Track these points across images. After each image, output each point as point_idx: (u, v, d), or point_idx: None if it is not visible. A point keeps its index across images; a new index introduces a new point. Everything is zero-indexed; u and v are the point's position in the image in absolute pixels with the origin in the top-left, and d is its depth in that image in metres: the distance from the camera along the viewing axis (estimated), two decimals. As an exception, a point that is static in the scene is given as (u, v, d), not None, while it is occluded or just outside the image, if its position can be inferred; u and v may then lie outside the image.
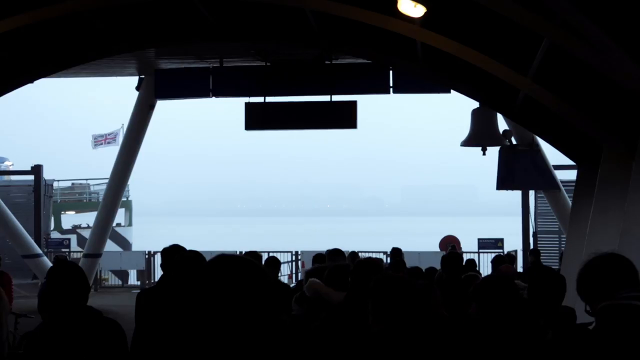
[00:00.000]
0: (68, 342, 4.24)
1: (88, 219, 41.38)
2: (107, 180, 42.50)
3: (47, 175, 32.02)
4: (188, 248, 6.51)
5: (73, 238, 37.70)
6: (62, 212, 40.05)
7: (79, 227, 39.80)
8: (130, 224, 41.75)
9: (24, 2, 11.50)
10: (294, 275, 27.04)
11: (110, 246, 36.61)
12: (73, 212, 41.15)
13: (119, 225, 41.28)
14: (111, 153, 47.43)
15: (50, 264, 21.84)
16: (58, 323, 4.28)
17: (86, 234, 38.95)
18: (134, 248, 35.73)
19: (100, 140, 43.75)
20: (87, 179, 43.27)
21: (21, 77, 14.90)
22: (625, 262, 3.84)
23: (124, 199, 42.65)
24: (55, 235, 38.26)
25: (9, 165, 46.29)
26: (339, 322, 5.13)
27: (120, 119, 47.85)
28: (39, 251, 24.80)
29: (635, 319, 3.61)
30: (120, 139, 44.81)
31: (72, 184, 42.60)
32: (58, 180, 42.94)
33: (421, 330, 4.45)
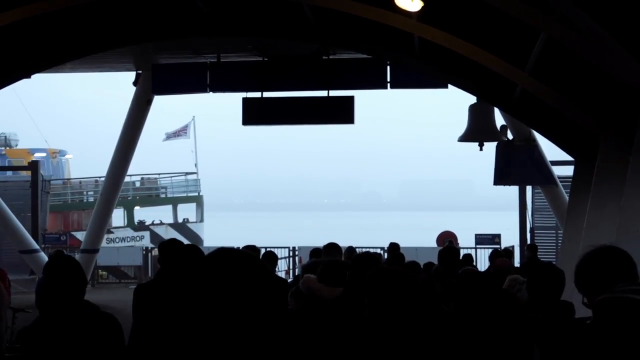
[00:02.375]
0: (65, 336, 4.24)
1: (159, 214, 41.24)
2: (176, 175, 42.38)
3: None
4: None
5: (146, 235, 37.67)
6: (135, 208, 40.03)
7: (151, 224, 39.82)
8: (201, 220, 41.30)
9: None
10: (291, 271, 27.06)
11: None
12: (143, 207, 41.16)
13: (185, 220, 40.89)
14: (179, 146, 46.82)
15: (47, 259, 21.84)
16: (55, 317, 4.28)
17: (159, 230, 38.96)
18: (206, 244, 35.36)
19: (171, 134, 43.59)
20: (159, 174, 43.03)
21: (18, 71, 14.88)
22: (623, 255, 3.84)
23: (194, 194, 42.57)
24: (127, 232, 38.31)
25: (69, 157, 46.01)
26: (334, 318, 5.13)
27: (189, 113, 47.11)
28: (37, 246, 24.78)
29: (632, 313, 3.62)
30: (190, 132, 44.48)
31: (142, 178, 42.44)
32: (130, 175, 42.92)
33: (420, 324, 4.45)
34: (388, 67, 18.16)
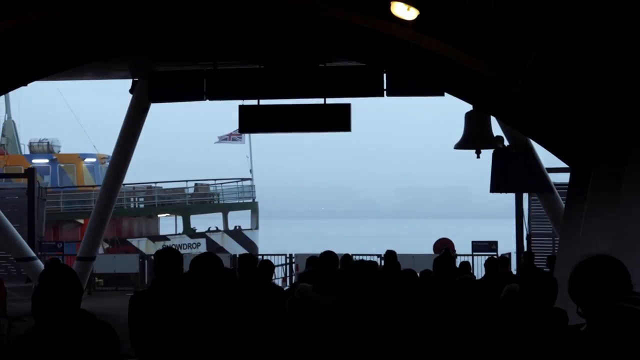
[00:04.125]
0: (59, 345, 4.24)
1: (209, 221, 40.71)
2: (230, 180, 41.83)
3: (168, 176, 31.58)
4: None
5: (202, 242, 37.40)
6: (191, 215, 39.73)
7: (207, 230, 39.47)
8: (256, 227, 40.64)
9: (16, 4, 11.51)
10: (287, 279, 27.08)
11: (237, 249, 35.83)
12: (197, 215, 40.82)
13: (237, 227, 40.18)
14: (232, 150, 45.61)
15: (43, 267, 21.79)
16: (50, 326, 4.28)
17: (216, 237, 38.58)
18: (261, 251, 34.86)
19: (225, 137, 43.08)
20: (214, 180, 42.51)
21: (14, 79, 14.88)
22: (617, 265, 3.86)
23: (249, 200, 41.78)
24: (184, 240, 37.94)
25: None
26: (329, 325, 5.15)
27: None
28: (33, 254, 24.75)
29: (627, 322, 3.63)
30: (245, 136, 43.89)
31: (195, 184, 42.06)
32: (187, 181, 42.46)
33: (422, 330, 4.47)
34: (384, 75, 18.20)
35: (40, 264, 23.73)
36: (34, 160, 41.14)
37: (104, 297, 26.09)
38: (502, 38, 10.72)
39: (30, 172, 29.20)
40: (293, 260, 27.23)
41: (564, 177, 20.28)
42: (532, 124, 13.06)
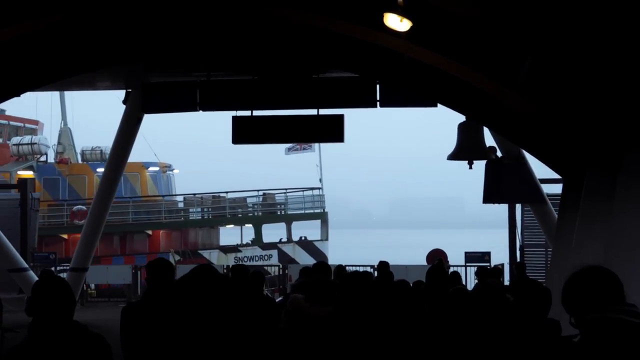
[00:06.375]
0: (52, 356, 4.22)
1: (278, 232, 39.96)
2: (298, 190, 40.86)
3: (238, 186, 31.19)
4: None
5: (274, 253, 36.80)
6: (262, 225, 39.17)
7: (279, 242, 38.93)
8: (326, 238, 39.74)
9: (9, 15, 11.51)
10: (280, 289, 27.06)
11: (308, 260, 35.20)
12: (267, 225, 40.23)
13: (301, 238, 39.40)
14: (302, 160, 43.75)
15: (36, 278, 21.72)
16: (43, 338, 4.26)
17: (287, 249, 37.71)
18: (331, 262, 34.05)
19: (294, 147, 42.21)
20: (285, 189, 41.89)
21: (7, 89, 14.87)
22: (610, 275, 3.87)
23: (319, 210, 40.79)
24: (256, 251, 37.20)
25: (175, 172, 45.25)
26: (322, 336, 5.15)
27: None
28: (25, 265, 24.64)
29: (622, 333, 3.64)
30: (315, 145, 42.87)
31: (264, 193, 41.44)
32: (257, 190, 41.70)
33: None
34: (377, 86, 18.23)
35: (33, 275, 23.63)
36: (98, 169, 40.41)
37: (97, 308, 25.99)
38: (495, 49, 10.76)
39: (22, 183, 29.04)
40: (287, 271, 27.23)
41: (557, 188, 20.31)
42: (524, 134, 13.10)
